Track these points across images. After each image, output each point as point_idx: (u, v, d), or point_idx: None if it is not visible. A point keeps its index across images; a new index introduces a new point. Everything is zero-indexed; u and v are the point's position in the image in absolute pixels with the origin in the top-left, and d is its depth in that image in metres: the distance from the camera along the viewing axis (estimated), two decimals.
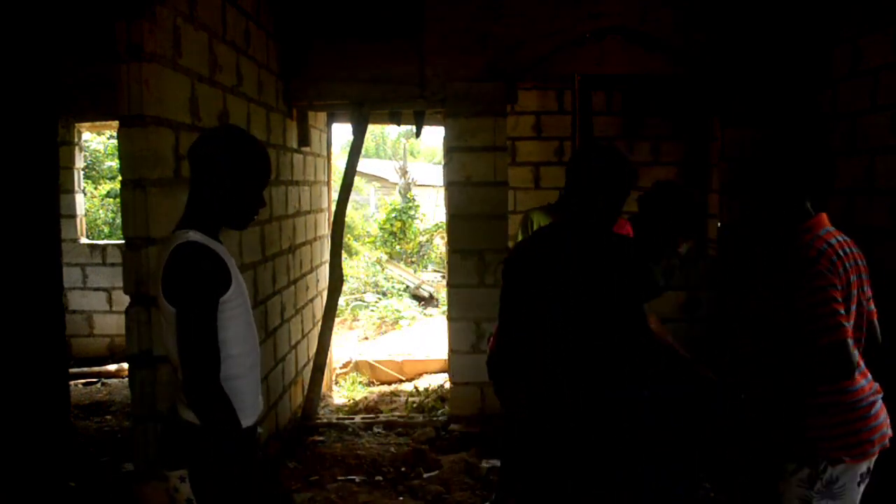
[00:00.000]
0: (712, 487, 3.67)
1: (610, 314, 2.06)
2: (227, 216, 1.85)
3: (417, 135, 5.45)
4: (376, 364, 6.23)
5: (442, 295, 8.88)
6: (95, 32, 3.90)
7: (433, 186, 17.68)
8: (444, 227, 5.29)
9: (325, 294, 5.18)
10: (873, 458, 1.94)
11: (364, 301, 9.56)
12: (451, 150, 4.34)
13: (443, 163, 4.70)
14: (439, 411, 4.98)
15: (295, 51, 4.28)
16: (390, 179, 18.81)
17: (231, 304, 1.78)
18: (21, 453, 2.60)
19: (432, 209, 16.51)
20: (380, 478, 3.88)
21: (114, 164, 10.44)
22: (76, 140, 6.67)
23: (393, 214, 13.24)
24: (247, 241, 3.47)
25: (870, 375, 1.95)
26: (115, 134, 6.15)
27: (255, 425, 1.93)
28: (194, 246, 1.74)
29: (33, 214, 2.74)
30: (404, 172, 16.17)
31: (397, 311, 8.83)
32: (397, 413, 5.05)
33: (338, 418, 4.87)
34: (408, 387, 5.84)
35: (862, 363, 1.89)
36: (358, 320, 8.94)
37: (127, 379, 4.91)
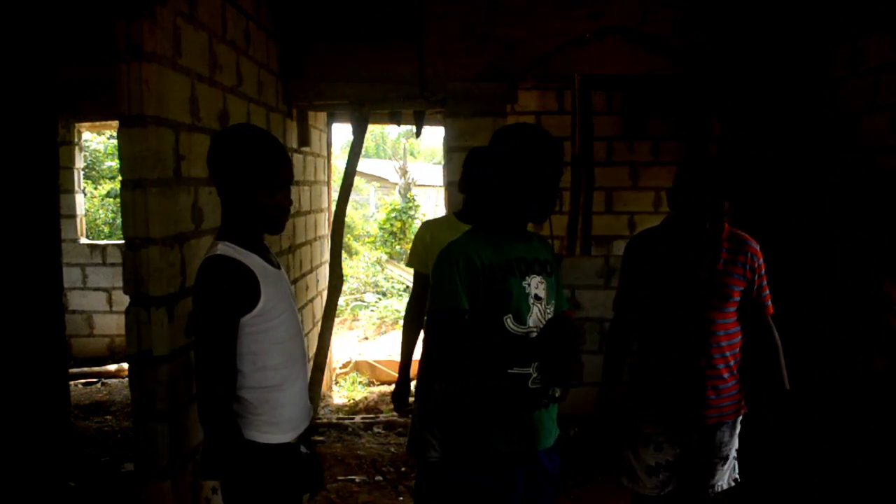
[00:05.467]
0: None
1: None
2: (255, 222, 1.76)
3: (417, 135, 5.45)
4: (376, 364, 6.23)
5: None
6: (95, 32, 3.90)
7: (433, 186, 17.68)
8: None
9: (324, 294, 5.18)
10: None
11: (364, 301, 9.57)
12: (451, 150, 4.33)
13: (443, 163, 4.69)
14: None
15: (295, 51, 4.28)
16: (390, 179, 18.79)
17: (265, 318, 1.70)
18: (21, 453, 2.60)
19: (432, 209, 16.50)
20: (380, 478, 3.88)
21: (114, 164, 10.46)
22: (76, 140, 6.67)
23: (393, 214, 13.23)
24: None
25: None
26: (115, 134, 6.15)
27: (297, 444, 1.82)
28: (217, 262, 1.68)
29: (33, 214, 2.73)
30: (404, 172, 16.17)
31: (397, 311, 8.82)
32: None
33: (338, 418, 4.87)
34: None
35: None
36: (358, 320, 8.94)
37: (127, 379, 4.93)
